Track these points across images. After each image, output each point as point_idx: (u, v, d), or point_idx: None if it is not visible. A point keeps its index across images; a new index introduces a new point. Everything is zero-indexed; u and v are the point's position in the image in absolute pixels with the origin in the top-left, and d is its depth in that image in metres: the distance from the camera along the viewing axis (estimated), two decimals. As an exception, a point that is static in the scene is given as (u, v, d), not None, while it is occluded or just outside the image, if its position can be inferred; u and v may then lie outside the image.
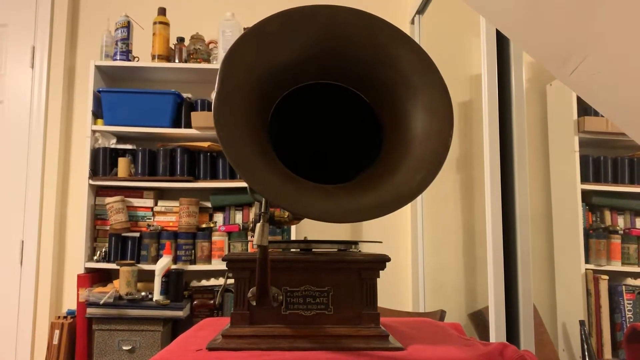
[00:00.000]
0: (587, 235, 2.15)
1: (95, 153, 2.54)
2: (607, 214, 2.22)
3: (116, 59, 2.57)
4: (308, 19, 0.82)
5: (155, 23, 2.59)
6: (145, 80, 2.76)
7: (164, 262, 2.32)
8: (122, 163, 2.51)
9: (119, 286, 2.30)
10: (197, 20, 2.79)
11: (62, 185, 2.76)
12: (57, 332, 2.34)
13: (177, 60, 2.61)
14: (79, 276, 2.37)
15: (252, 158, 0.74)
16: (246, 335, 0.81)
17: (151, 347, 2.20)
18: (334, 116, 0.94)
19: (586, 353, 1.95)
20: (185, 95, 2.62)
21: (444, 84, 0.83)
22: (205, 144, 2.51)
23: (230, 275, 0.85)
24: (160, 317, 2.23)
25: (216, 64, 2.61)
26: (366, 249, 0.97)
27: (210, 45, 2.69)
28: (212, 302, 2.43)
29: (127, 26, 2.57)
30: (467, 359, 0.78)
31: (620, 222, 2.22)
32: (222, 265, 2.42)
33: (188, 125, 2.56)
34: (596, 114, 2.15)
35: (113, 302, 2.22)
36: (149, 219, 2.55)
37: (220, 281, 2.50)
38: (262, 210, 0.76)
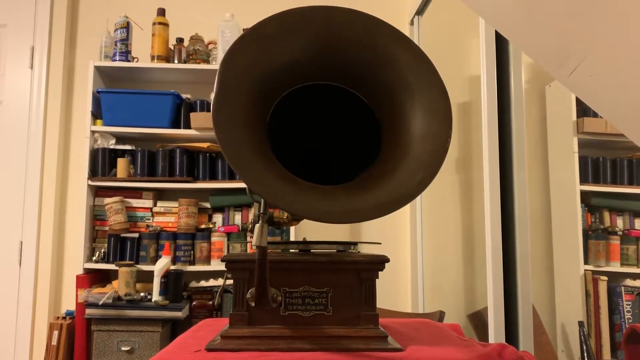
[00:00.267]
0: (586, 236, 2.15)
1: (94, 153, 2.54)
2: (606, 215, 2.22)
3: (115, 60, 2.57)
4: (307, 20, 0.82)
5: (154, 24, 2.59)
6: (145, 80, 2.76)
7: (163, 263, 2.32)
8: (121, 164, 2.51)
9: (118, 287, 2.30)
10: (197, 21, 2.79)
11: (61, 185, 2.76)
12: (55, 332, 2.34)
13: (176, 61, 2.61)
14: (77, 277, 2.37)
15: (251, 159, 0.74)
16: (245, 336, 0.81)
17: (150, 348, 2.20)
18: (333, 117, 0.94)
19: (585, 354, 1.95)
20: (184, 95, 2.62)
21: (443, 85, 0.83)
22: (205, 145, 2.51)
23: (229, 276, 0.85)
24: (159, 317, 2.22)
25: (215, 65, 2.61)
26: (365, 249, 0.97)
27: (210, 46, 2.69)
28: (211, 302, 2.43)
29: (127, 27, 2.57)
30: (466, 359, 0.78)
31: (620, 223, 2.22)
32: (221, 266, 2.42)
33: (187, 125, 2.56)
34: (595, 115, 2.15)
35: (112, 302, 2.22)
36: (148, 219, 2.55)
37: (219, 282, 2.50)
38: (261, 211, 0.76)
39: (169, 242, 2.44)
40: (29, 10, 2.80)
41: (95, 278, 2.47)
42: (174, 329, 2.36)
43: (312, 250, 0.89)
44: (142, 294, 2.29)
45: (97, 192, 2.55)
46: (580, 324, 2.01)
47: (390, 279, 2.71)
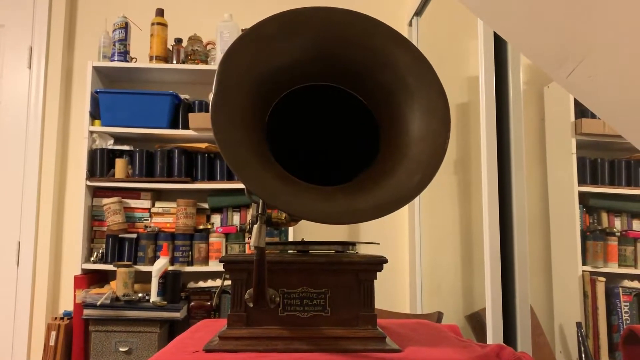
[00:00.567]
0: (584, 237, 2.15)
1: (92, 154, 2.53)
2: (604, 216, 2.22)
3: (114, 60, 2.56)
4: (305, 21, 0.82)
5: (153, 24, 2.59)
6: (143, 81, 2.76)
7: (161, 264, 2.31)
8: (120, 164, 2.51)
9: (116, 287, 2.30)
10: (195, 22, 2.79)
11: (59, 186, 2.75)
12: (53, 333, 2.33)
13: (174, 62, 2.61)
14: (75, 277, 2.37)
15: (249, 159, 0.74)
16: (243, 337, 0.81)
17: (148, 349, 2.19)
18: (332, 118, 0.94)
19: (583, 355, 1.95)
20: (182, 96, 2.61)
21: (441, 86, 0.83)
22: (203, 145, 2.51)
23: (227, 276, 0.85)
24: (157, 318, 2.22)
25: (214, 65, 2.61)
26: (364, 250, 0.97)
27: (208, 47, 2.69)
28: (209, 303, 2.42)
29: (125, 27, 2.57)
30: (464, 360, 0.78)
31: (617, 224, 2.22)
32: (220, 267, 2.42)
33: (186, 126, 2.56)
34: (593, 116, 2.15)
35: (110, 303, 2.22)
36: (146, 220, 2.54)
37: (218, 282, 2.50)
38: (260, 212, 0.76)
39: (167, 243, 2.43)
40: (27, 11, 2.80)
41: (93, 279, 2.47)
42: (172, 329, 2.36)
43: (310, 251, 0.89)
44: (140, 295, 2.29)
45: (95, 193, 2.55)
46: (578, 324, 2.02)
47: (389, 279, 2.71)
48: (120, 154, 2.58)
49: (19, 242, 2.67)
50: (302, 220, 0.95)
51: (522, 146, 1.66)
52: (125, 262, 2.40)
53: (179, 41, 2.63)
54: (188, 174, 2.56)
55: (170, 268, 2.40)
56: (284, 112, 0.86)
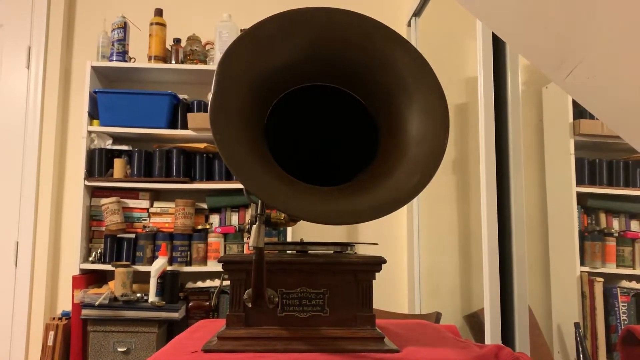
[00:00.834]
0: (582, 238, 2.16)
1: (91, 154, 2.53)
2: (602, 217, 2.22)
3: (112, 60, 2.56)
4: (304, 21, 0.82)
5: (151, 24, 2.59)
6: (142, 81, 2.76)
7: (160, 264, 2.31)
8: (118, 164, 2.51)
9: (114, 287, 2.30)
10: (194, 22, 2.79)
11: (58, 186, 2.75)
12: (51, 333, 2.33)
13: (173, 62, 2.61)
14: (74, 277, 2.37)
15: (248, 159, 0.74)
16: (241, 337, 0.81)
17: (146, 349, 2.19)
18: (331, 118, 0.94)
19: (581, 355, 1.95)
20: (181, 96, 2.61)
21: (440, 87, 0.84)
22: (202, 145, 2.51)
23: (226, 276, 0.85)
24: (155, 318, 2.22)
25: (213, 65, 2.61)
26: (362, 250, 0.97)
27: (207, 47, 2.69)
28: (207, 303, 2.42)
29: (124, 27, 2.57)
30: (463, 361, 0.78)
31: (615, 224, 2.23)
32: (218, 267, 2.42)
33: (184, 126, 2.56)
34: (592, 117, 2.15)
35: (108, 303, 2.22)
36: (145, 220, 2.54)
37: (216, 283, 2.50)
38: (258, 212, 0.76)
39: (165, 243, 2.43)
40: (26, 10, 2.80)
41: (91, 279, 2.47)
42: (171, 330, 2.36)
43: (309, 251, 0.89)
44: (138, 295, 2.29)
45: (94, 193, 2.55)
46: (576, 325, 2.02)
47: (387, 280, 2.71)
48: (119, 153, 2.58)
49: (17, 242, 2.67)
50: (301, 221, 0.95)
51: (521, 147, 1.66)
52: (124, 262, 2.40)
53: (177, 41, 2.63)
54: (186, 174, 2.56)
55: (169, 268, 2.39)
56: (283, 113, 0.86)
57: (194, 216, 2.53)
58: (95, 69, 2.57)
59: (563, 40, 0.63)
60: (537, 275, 2.33)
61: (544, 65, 0.67)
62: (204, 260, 2.50)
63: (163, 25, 2.60)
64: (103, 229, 2.49)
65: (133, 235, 2.49)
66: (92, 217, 2.53)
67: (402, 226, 2.79)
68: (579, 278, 2.12)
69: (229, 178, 2.56)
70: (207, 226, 2.54)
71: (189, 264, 2.50)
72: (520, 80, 1.71)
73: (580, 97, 0.67)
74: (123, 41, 2.57)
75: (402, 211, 2.74)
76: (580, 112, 2.19)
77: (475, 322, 2.14)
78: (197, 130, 2.53)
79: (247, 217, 2.53)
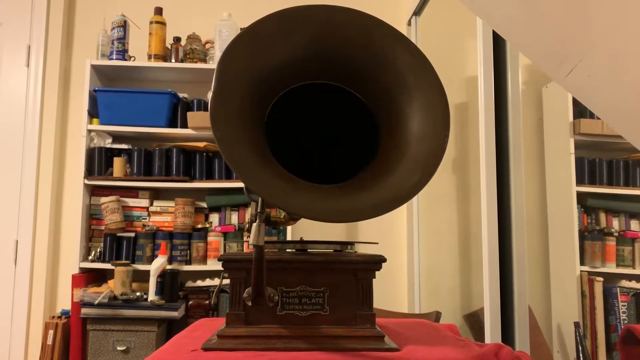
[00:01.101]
0: (582, 237, 2.16)
1: (90, 152, 2.53)
2: (602, 216, 2.22)
3: (112, 59, 2.56)
4: (304, 19, 0.82)
5: (151, 22, 2.58)
6: (142, 79, 2.76)
7: (159, 263, 2.31)
8: (118, 163, 2.51)
9: (114, 286, 2.30)
10: (194, 20, 2.79)
11: (57, 184, 2.75)
12: (51, 332, 2.33)
13: (173, 60, 2.61)
14: (73, 276, 2.37)
15: (248, 157, 0.73)
16: (241, 336, 0.81)
17: (146, 348, 2.19)
18: (331, 116, 0.94)
19: (581, 355, 1.95)
20: (181, 95, 2.61)
21: (441, 85, 0.83)
22: (201, 144, 2.51)
23: (225, 275, 0.85)
24: (155, 317, 2.22)
25: (213, 64, 2.60)
26: (362, 249, 0.97)
27: (207, 45, 2.69)
28: (207, 302, 2.42)
29: (124, 25, 2.57)
30: (463, 359, 0.78)
31: (615, 224, 2.22)
32: (218, 266, 2.42)
33: (184, 125, 2.55)
34: (592, 116, 2.15)
35: (108, 302, 2.22)
36: (145, 219, 2.54)
37: (216, 281, 2.50)
38: (259, 210, 0.76)
39: (165, 242, 2.43)
40: (26, 9, 2.80)
41: (91, 277, 2.47)
42: (170, 328, 2.36)
43: (309, 250, 0.89)
44: (138, 294, 2.29)
45: (93, 191, 2.55)
46: (576, 324, 2.02)
47: (387, 279, 2.71)
48: (119, 152, 2.58)
49: (17, 241, 2.67)
50: (301, 220, 0.95)
51: (521, 146, 1.66)
52: (123, 261, 2.40)
53: (177, 40, 2.63)
54: (186, 173, 2.56)
55: (169, 267, 2.39)
56: (283, 111, 0.86)
57: (193, 215, 2.53)
58: (95, 68, 2.57)
59: (564, 38, 0.63)
60: (537, 275, 2.33)
61: (545, 63, 0.66)
62: (203, 259, 2.50)
63: (163, 23, 2.60)
64: (103, 227, 2.48)
65: (133, 234, 2.49)
66: (92, 216, 2.53)
67: (402, 225, 2.79)
68: (579, 277, 2.11)
69: (228, 177, 2.56)
70: (207, 225, 2.54)
71: (188, 262, 2.50)
72: (521, 79, 1.71)
73: (581, 96, 0.67)
74: (123, 40, 2.57)
75: (402, 210, 2.74)
76: (580, 112, 2.19)
77: (475, 321, 2.14)
78: (197, 129, 2.52)
79: (247, 216, 2.53)
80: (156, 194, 2.65)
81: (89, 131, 2.52)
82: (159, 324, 2.24)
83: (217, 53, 2.60)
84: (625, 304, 2.12)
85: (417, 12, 2.71)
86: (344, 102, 0.89)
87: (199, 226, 2.54)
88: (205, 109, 2.56)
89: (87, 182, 2.48)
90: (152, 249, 2.47)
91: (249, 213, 2.55)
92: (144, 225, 2.51)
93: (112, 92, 2.54)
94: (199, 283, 2.49)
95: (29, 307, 2.63)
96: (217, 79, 0.75)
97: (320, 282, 0.84)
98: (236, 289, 0.83)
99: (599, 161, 2.23)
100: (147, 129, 2.52)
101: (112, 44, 2.56)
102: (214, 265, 2.48)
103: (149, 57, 2.58)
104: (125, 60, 2.57)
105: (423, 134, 0.81)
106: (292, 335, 0.81)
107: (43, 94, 2.75)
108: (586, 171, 2.22)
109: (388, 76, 0.84)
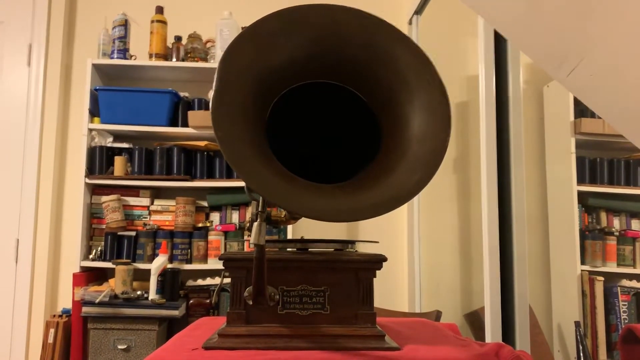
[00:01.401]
0: (582, 237, 2.16)
1: (91, 151, 2.53)
2: (603, 216, 2.22)
3: (113, 57, 2.56)
4: (306, 18, 0.82)
5: (152, 21, 2.58)
6: (143, 78, 2.76)
7: (160, 261, 2.31)
8: (119, 162, 2.51)
9: (115, 285, 2.30)
10: (195, 19, 2.79)
11: (58, 183, 2.75)
12: (52, 330, 2.33)
13: (174, 59, 2.61)
14: (74, 275, 2.37)
15: (249, 157, 0.73)
16: (242, 335, 0.81)
17: (147, 346, 2.19)
18: (332, 115, 0.94)
19: (581, 354, 1.95)
20: (182, 94, 2.61)
21: (442, 85, 0.83)
22: (202, 143, 2.51)
23: (226, 274, 0.85)
24: (155, 316, 2.22)
25: (214, 63, 2.60)
26: (363, 248, 0.97)
27: (208, 44, 2.69)
28: (208, 301, 2.42)
29: (125, 24, 2.57)
30: (463, 359, 0.78)
31: (616, 223, 2.23)
32: (219, 265, 2.42)
33: (185, 124, 2.55)
34: (593, 115, 2.15)
35: (108, 301, 2.22)
36: (145, 217, 2.54)
37: (217, 280, 2.50)
38: (259, 210, 0.76)
39: (166, 241, 2.43)
40: (27, 8, 2.80)
41: (91, 276, 2.47)
42: (171, 327, 2.36)
43: (309, 249, 0.89)
44: (138, 293, 2.29)
45: (94, 190, 2.55)
46: (577, 324, 2.02)
47: (388, 278, 2.72)
48: (120, 151, 2.58)
49: (18, 240, 2.67)
50: (302, 219, 0.95)
51: (522, 145, 1.66)
52: (124, 260, 2.40)
53: (178, 39, 2.63)
54: (187, 172, 2.56)
55: (169, 266, 2.40)
56: (284, 110, 0.86)
57: (194, 214, 2.53)
58: (96, 67, 2.57)
59: (565, 38, 0.63)
60: (537, 274, 2.33)
61: (546, 63, 0.66)
62: (204, 258, 2.50)
63: (164, 22, 2.60)
64: (103, 226, 2.49)
65: (133, 233, 2.49)
66: (93, 215, 2.53)
67: (402, 224, 2.79)
68: (580, 277, 2.11)
69: (229, 176, 2.56)
70: (208, 224, 2.54)
71: (189, 261, 2.50)
72: (522, 78, 1.70)
73: (582, 95, 0.67)
74: (124, 39, 2.57)
75: (403, 209, 2.74)
76: (581, 111, 2.19)
77: (475, 320, 2.14)
78: (197, 128, 2.53)
79: (248, 215, 2.53)
80: (157, 193, 2.65)
81: (90, 130, 2.52)
82: (160, 323, 2.24)
83: (218, 52, 2.60)
84: (626, 303, 2.12)
85: (419, 11, 2.71)
86: (344, 102, 0.89)
87: (200, 225, 2.54)
88: (206, 108, 2.56)
89: (88, 181, 2.48)
90: (153, 248, 2.47)
91: (249, 212, 2.56)
92: (145, 224, 2.51)
93: (113, 91, 2.54)
94: (200, 282, 2.49)
95: (30, 305, 2.63)
96: (218, 78, 0.75)
97: (321, 281, 0.84)
98: (237, 288, 0.83)
99: (599, 160, 2.23)
100: (148, 128, 2.52)
101: (113, 42, 2.57)
102: (214, 264, 2.49)
103: (150, 56, 2.58)
104: (126, 59, 2.57)
105: (424, 134, 0.81)
106: (292, 334, 0.81)
107: (44, 92, 2.75)
108: (587, 170, 2.22)
109: (389, 75, 0.84)
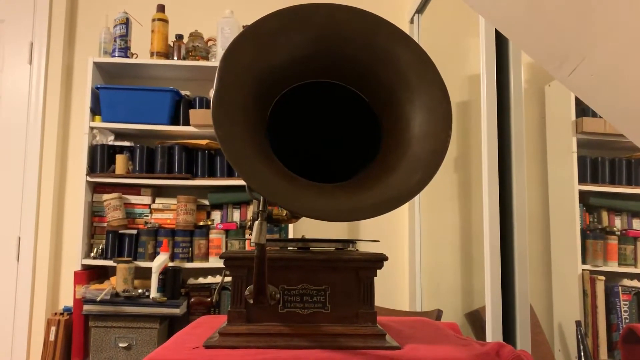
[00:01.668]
0: (584, 236, 2.16)
1: (92, 150, 2.53)
2: (604, 215, 2.22)
3: (114, 56, 2.56)
4: (307, 18, 0.82)
5: (154, 20, 2.58)
6: (144, 77, 2.76)
7: (161, 260, 2.31)
8: (120, 160, 2.51)
9: (116, 283, 2.30)
10: (196, 18, 2.79)
11: (60, 181, 2.76)
12: (53, 328, 2.33)
13: (175, 58, 2.60)
14: (75, 273, 2.37)
15: (250, 156, 0.74)
16: (243, 334, 0.81)
17: (148, 345, 2.20)
18: (333, 115, 0.94)
19: (582, 353, 1.95)
20: (183, 92, 2.61)
21: (443, 84, 0.83)
22: (204, 142, 2.51)
23: (227, 273, 0.85)
24: (156, 314, 2.22)
25: (215, 62, 2.60)
26: (363, 248, 0.97)
27: (209, 43, 2.69)
28: (209, 299, 2.43)
29: (126, 23, 2.57)
30: (464, 358, 0.78)
31: (617, 223, 2.22)
32: (220, 263, 2.42)
33: (186, 122, 2.55)
34: (594, 115, 2.15)
35: (110, 299, 2.22)
36: (147, 216, 2.55)
37: (217, 279, 2.50)
38: (260, 209, 0.76)
39: (167, 239, 2.44)
40: (28, 6, 2.80)
41: (93, 274, 2.47)
42: (172, 325, 2.36)
43: (310, 248, 0.89)
44: (140, 291, 2.29)
45: (96, 189, 2.55)
46: (578, 323, 2.02)
47: (388, 277, 2.72)
48: (121, 150, 2.58)
49: (19, 238, 2.68)
50: (303, 218, 0.95)
51: (523, 145, 1.66)
52: (125, 258, 2.40)
53: (179, 37, 2.63)
54: (188, 170, 2.56)
55: (170, 264, 2.40)
56: (285, 109, 0.86)
57: (195, 212, 2.54)
58: (97, 65, 2.57)
59: (566, 37, 0.63)
60: (538, 273, 2.33)
61: (547, 62, 0.66)
62: (205, 257, 2.50)
63: (165, 21, 2.60)
64: (105, 224, 2.49)
65: (135, 232, 2.49)
66: (94, 213, 2.53)
67: (403, 223, 2.79)
68: (581, 276, 2.11)
69: (230, 175, 2.56)
70: (209, 222, 2.54)
71: (190, 260, 2.50)
72: (523, 77, 1.70)
73: (584, 95, 0.67)
74: (125, 37, 2.57)
75: (404, 208, 2.74)
76: (582, 110, 2.19)
77: (476, 319, 2.14)
78: (199, 126, 2.53)
79: (249, 214, 2.53)
80: (158, 192, 2.65)
81: (92, 128, 2.53)
82: (161, 321, 2.25)
83: (219, 50, 2.60)
84: (627, 302, 2.12)
85: (420, 9, 2.70)
86: (345, 101, 0.89)
87: (201, 223, 2.54)
88: (208, 107, 2.56)
89: (89, 179, 2.48)
90: (154, 246, 2.47)
91: (250, 210, 2.56)
92: (146, 223, 2.51)
93: (115, 90, 2.55)
94: (201, 280, 2.49)
95: (31, 303, 2.63)
96: (219, 78, 0.75)
97: (322, 280, 0.84)
98: (238, 286, 0.83)
99: (601, 160, 2.23)
100: (149, 127, 2.53)
101: (115, 41, 2.57)
102: (215, 262, 2.49)
103: (151, 54, 2.58)
104: (128, 57, 2.57)
105: (425, 133, 0.81)
106: (293, 333, 0.82)
107: (45, 91, 2.76)
108: (588, 170, 2.22)
109: (390, 75, 0.84)
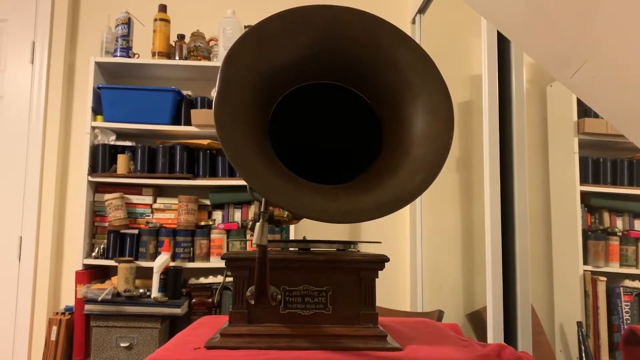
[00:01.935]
0: (585, 237, 2.15)
1: (94, 149, 2.53)
2: (606, 216, 2.22)
3: (116, 56, 2.56)
4: (309, 19, 0.82)
5: (155, 20, 2.58)
6: (146, 77, 2.76)
7: (163, 260, 2.32)
8: (122, 160, 2.51)
9: (117, 283, 2.30)
10: (198, 18, 2.79)
11: (61, 181, 2.76)
12: (54, 328, 2.34)
13: (177, 58, 2.61)
14: (77, 272, 2.37)
15: (251, 157, 0.74)
16: (244, 334, 0.81)
17: (149, 344, 2.20)
18: (335, 116, 0.94)
19: (583, 354, 1.95)
20: (185, 92, 2.61)
21: (445, 85, 0.83)
22: (205, 142, 2.51)
23: (229, 273, 0.85)
24: (158, 314, 2.23)
25: (216, 62, 2.61)
26: (365, 249, 0.97)
27: (211, 43, 2.69)
28: (210, 300, 2.43)
29: (128, 23, 2.57)
30: (465, 359, 0.78)
31: (619, 223, 2.22)
32: (221, 263, 2.41)
33: (188, 122, 2.55)
34: (596, 115, 2.15)
35: (111, 298, 2.22)
36: (148, 216, 2.55)
37: (219, 279, 2.50)
38: (262, 210, 0.76)
39: (168, 239, 2.44)
40: (30, 5, 2.80)
41: (94, 274, 2.47)
42: (173, 325, 2.36)
43: (312, 249, 0.89)
44: (141, 291, 2.29)
45: (97, 188, 2.55)
46: (579, 324, 2.02)
47: (390, 278, 2.72)
48: (122, 149, 2.58)
49: (21, 237, 2.68)
50: (304, 219, 0.95)
51: (525, 145, 1.66)
52: (127, 258, 2.41)
53: (181, 37, 2.63)
54: (190, 170, 2.56)
55: (172, 264, 2.40)
56: (287, 110, 0.86)
57: (197, 212, 2.54)
58: (99, 65, 2.57)
59: (568, 39, 0.63)
60: (539, 274, 2.33)
61: (550, 64, 0.66)
62: (206, 257, 2.50)
63: (167, 21, 2.60)
64: (106, 224, 2.49)
65: (136, 231, 2.49)
66: (96, 213, 2.53)
67: (405, 224, 2.79)
68: (582, 277, 2.11)
69: (232, 175, 2.56)
70: (210, 222, 2.55)
71: (191, 260, 2.50)
72: (525, 78, 1.70)
73: (586, 97, 0.67)
74: (127, 37, 2.57)
75: (405, 209, 2.74)
76: (584, 111, 2.18)
77: (477, 320, 2.14)
78: (200, 126, 2.53)
79: (250, 214, 2.53)
80: (160, 191, 2.66)
81: (93, 128, 2.53)
82: (162, 321, 2.25)
83: (221, 51, 2.60)
84: (629, 303, 2.11)
85: (422, 10, 2.70)
86: (347, 102, 0.89)
87: (202, 223, 2.54)
88: (209, 107, 2.57)
89: (91, 179, 2.48)
90: (156, 246, 2.47)
91: (252, 211, 2.56)
92: (148, 222, 2.51)
93: (116, 90, 2.55)
94: (202, 280, 2.50)
95: (32, 303, 2.64)
96: (221, 79, 0.75)
97: (323, 281, 0.84)
98: (239, 287, 0.83)
99: (602, 160, 2.23)
100: (150, 126, 2.53)
101: (116, 41, 2.57)
102: (216, 262, 2.49)
103: (153, 54, 2.58)
104: (129, 57, 2.57)
105: (427, 135, 0.81)
106: (294, 334, 0.82)
107: (47, 90, 2.76)
108: (590, 170, 2.22)
109: (392, 76, 0.84)
